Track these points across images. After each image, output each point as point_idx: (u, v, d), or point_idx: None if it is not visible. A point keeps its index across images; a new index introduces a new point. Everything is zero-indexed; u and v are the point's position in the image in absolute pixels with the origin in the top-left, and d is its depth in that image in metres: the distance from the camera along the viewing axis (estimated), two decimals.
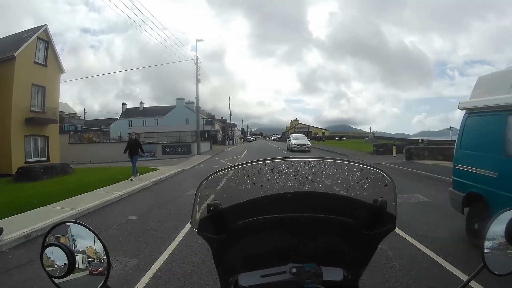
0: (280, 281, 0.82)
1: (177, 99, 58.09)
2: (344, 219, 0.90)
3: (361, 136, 67.12)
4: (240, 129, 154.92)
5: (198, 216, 0.93)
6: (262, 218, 0.89)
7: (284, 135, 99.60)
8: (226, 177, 1.01)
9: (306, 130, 79.18)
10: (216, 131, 69.77)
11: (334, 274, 0.85)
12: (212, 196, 0.94)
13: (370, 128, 48.50)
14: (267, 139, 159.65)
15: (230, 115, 63.69)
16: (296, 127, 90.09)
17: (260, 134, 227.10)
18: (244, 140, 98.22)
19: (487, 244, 0.86)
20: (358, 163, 1.02)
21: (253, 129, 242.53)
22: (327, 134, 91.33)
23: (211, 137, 48.10)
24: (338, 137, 69.15)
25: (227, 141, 60.72)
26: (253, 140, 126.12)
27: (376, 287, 3.38)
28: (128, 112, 59.13)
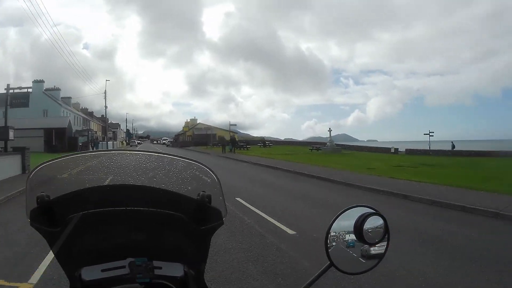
0: (119, 275, 0.81)
1: (35, 81, 40.79)
2: (174, 213, 0.89)
3: (253, 142, 58.52)
4: (125, 130, 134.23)
5: (29, 207, 0.88)
6: (91, 212, 0.88)
7: (178, 138, 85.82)
8: (57, 167, 0.97)
9: (208, 132, 63.19)
10: (92, 132, 54.19)
11: (173, 269, 0.84)
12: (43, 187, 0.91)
13: (330, 131, 32.21)
14: (154, 142, 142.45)
15: (106, 107, 46.90)
16: (195, 128, 72.02)
17: (147, 137, 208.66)
18: (127, 144, 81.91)
19: (333, 241, 0.86)
20: (179, 157, 1.01)
21: (140, 132, 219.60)
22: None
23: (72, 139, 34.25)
24: (262, 143, 51.83)
25: (90, 147, 37.68)
26: (139, 143, 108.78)
27: None
28: None
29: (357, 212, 0.89)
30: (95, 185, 0.94)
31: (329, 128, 30.96)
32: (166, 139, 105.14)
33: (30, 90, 22.24)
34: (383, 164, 18.78)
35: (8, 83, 33.20)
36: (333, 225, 0.88)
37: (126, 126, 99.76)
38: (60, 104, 40.33)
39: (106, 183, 0.95)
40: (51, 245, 0.89)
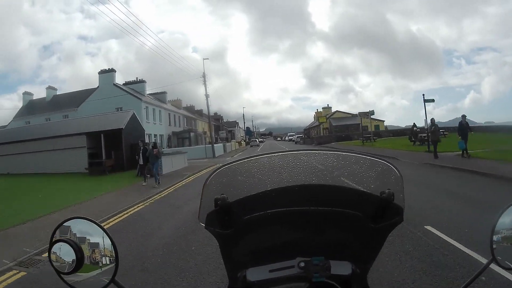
0: (288, 275, 0.81)
1: (101, 72, 31.62)
2: (352, 212, 0.89)
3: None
4: (244, 129, 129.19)
5: (205, 210, 0.91)
6: (269, 212, 0.89)
7: (309, 132, 69.28)
8: (233, 170, 1.00)
9: (350, 122, 46.73)
10: (197, 133, 44.24)
11: (342, 268, 0.84)
12: (219, 190, 0.93)
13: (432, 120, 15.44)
14: (278, 139, 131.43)
15: (207, 96, 32.22)
16: (331, 118, 53.02)
17: (270, 134, 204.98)
18: (247, 143, 69.83)
19: (496, 237, 0.86)
20: (365, 155, 1.01)
21: (262, 129, 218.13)
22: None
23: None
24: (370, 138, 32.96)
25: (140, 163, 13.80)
26: (260, 141, 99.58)
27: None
28: (32, 105, 33.92)
29: None
30: (275, 187, 0.93)
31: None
32: (293, 135, 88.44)
33: None
34: None
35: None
36: (499, 221, 0.86)
37: (244, 123, 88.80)
38: (137, 98, 29.94)
39: (280, 185, 0.94)
40: (222, 247, 0.91)
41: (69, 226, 0.82)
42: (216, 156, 29.68)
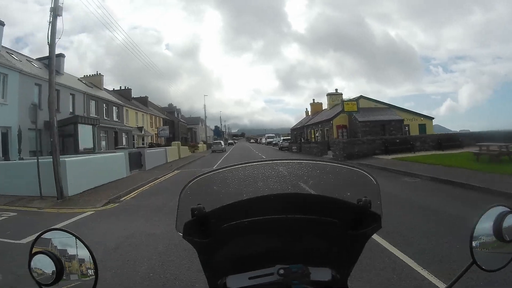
0: (268, 282, 0.82)
1: None
2: (329, 220, 0.90)
3: None
4: (213, 128, 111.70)
5: (182, 220, 0.91)
6: (246, 221, 0.90)
7: (300, 133, 43.76)
8: (209, 180, 1.02)
9: (383, 117, 28.15)
10: (113, 127, 27.12)
11: (322, 274, 0.86)
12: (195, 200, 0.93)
13: None
14: (252, 141, 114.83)
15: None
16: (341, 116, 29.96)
17: (242, 135, 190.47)
18: (210, 147, 46.92)
19: (476, 240, 0.90)
20: (340, 164, 1.04)
21: (234, 130, 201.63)
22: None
23: None
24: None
25: None
26: (230, 143, 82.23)
27: None
28: None
29: (497, 211, 0.90)
30: (251, 196, 0.94)
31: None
32: (273, 137, 69.25)
33: None
34: None
35: None
36: (477, 226, 0.90)
37: (205, 118, 71.08)
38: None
39: (254, 194, 0.95)
40: (201, 256, 0.92)
41: (49, 238, 0.82)
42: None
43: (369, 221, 0.89)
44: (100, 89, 30.39)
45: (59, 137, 20.10)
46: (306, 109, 49.04)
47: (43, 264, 0.78)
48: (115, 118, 29.05)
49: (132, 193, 11.44)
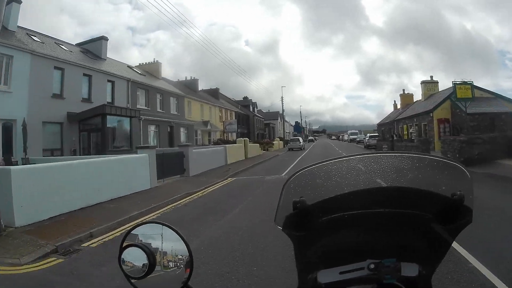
0: (359, 277, 0.82)
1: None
2: (422, 214, 0.90)
3: None
4: (293, 124, 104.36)
5: (283, 213, 0.92)
6: (346, 214, 0.90)
7: (389, 129, 33.74)
8: (312, 174, 1.00)
9: (491, 109, 20.50)
10: (169, 121, 22.15)
11: (410, 269, 0.84)
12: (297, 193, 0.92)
13: None
14: (333, 138, 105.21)
15: None
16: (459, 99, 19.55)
17: (323, 131, 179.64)
18: (287, 144, 40.86)
19: None
20: (435, 157, 1.02)
21: (315, 126, 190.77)
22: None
23: None
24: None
25: None
26: (310, 140, 74.44)
27: None
28: None
29: None
30: (351, 189, 0.94)
31: None
32: (356, 133, 59.22)
33: None
34: None
35: None
36: None
37: (282, 112, 63.56)
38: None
39: (355, 188, 0.95)
40: (297, 248, 0.92)
41: (142, 230, 0.82)
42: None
43: (461, 215, 0.87)
44: (158, 78, 26.25)
45: (86, 132, 15.81)
46: (395, 101, 39.45)
47: (135, 257, 0.77)
48: (173, 111, 24.40)
49: (114, 231, 6.03)
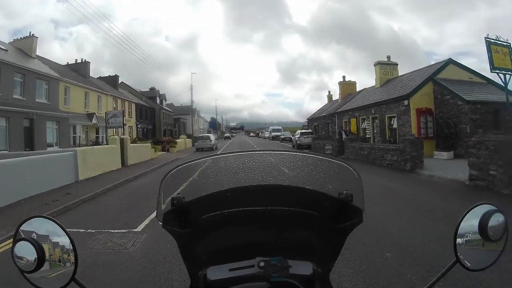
0: (248, 274, 0.82)
1: None
2: (310, 212, 0.91)
3: None
4: (208, 120, 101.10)
5: (162, 209, 0.92)
6: (226, 212, 0.90)
7: (326, 124, 28.75)
8: (190, 170, 0.99)
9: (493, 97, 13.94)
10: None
11: (303, 267, 0.85)
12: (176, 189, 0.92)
13: None
14: (251, 135, 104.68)
15: None
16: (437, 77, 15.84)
17: (241, 128, 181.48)
18: (195, 143, 31.80)
19: (460, 239, 0.87)
20: (323, 157, 1.03)
21: (232, 123, 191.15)
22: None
23: None
24: None
25: None
26: (226, 137, 73.20)
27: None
28: None
29: (482, 210, 0.87)
30: (231, 187, 0.93)
31: None
32: (279, 130, 52.28)
33: None
34: None
35: None
36: (461, 224, 0.88)
37: (192, 104, 60.00)
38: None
39: (236, 185, 0.94)
40: (181, 246, 0.91)
41: (31, 225, 0.83)
42: None
43: (351, 215, 0.89)
44: (30, 56, 20.54)
45: None
46: (329, 92, 35.22)
47: (26, 251, 0.78)
48: (41, 99, 19.24)
49: None
